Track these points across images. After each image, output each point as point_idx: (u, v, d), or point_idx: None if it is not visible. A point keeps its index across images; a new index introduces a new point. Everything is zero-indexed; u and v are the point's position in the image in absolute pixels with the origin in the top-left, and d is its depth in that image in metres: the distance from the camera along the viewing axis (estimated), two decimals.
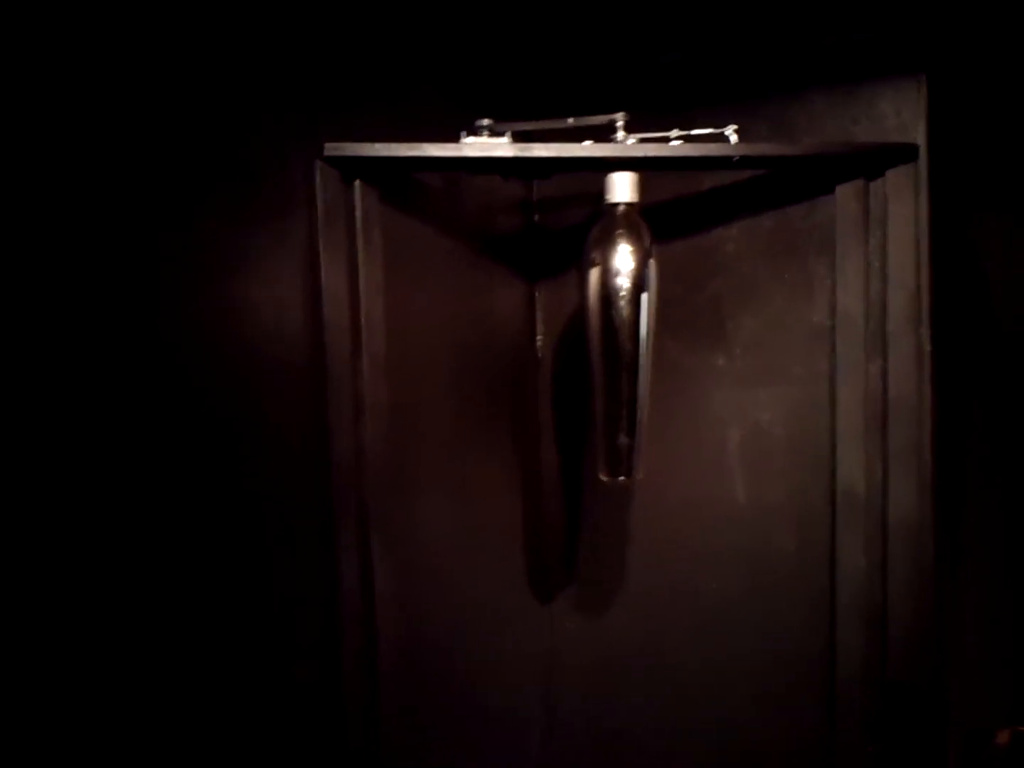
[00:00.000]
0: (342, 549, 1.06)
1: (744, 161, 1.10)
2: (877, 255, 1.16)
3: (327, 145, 1.02)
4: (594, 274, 1.10)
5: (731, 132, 1.09)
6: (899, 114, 1.14)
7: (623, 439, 1.13)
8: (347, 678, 1.06)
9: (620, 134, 1.11)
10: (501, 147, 1.08)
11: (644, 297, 1.10)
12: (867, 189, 1.16)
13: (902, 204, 1.14)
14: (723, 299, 1.27)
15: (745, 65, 1.21)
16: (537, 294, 1.40)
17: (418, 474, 1.20)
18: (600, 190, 1.12)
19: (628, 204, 1.11)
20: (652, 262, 1.11)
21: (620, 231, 1.10)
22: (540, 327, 1.41)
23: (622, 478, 1.14)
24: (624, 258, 1.09)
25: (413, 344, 1.19)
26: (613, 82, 1.27)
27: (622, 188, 1.11)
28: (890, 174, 1.14)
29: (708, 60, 1.23)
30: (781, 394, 1.25)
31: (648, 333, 1.11)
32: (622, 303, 1.10)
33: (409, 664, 1.17)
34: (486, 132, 1.13)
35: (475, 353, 1.30)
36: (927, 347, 1.14)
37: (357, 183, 1.07)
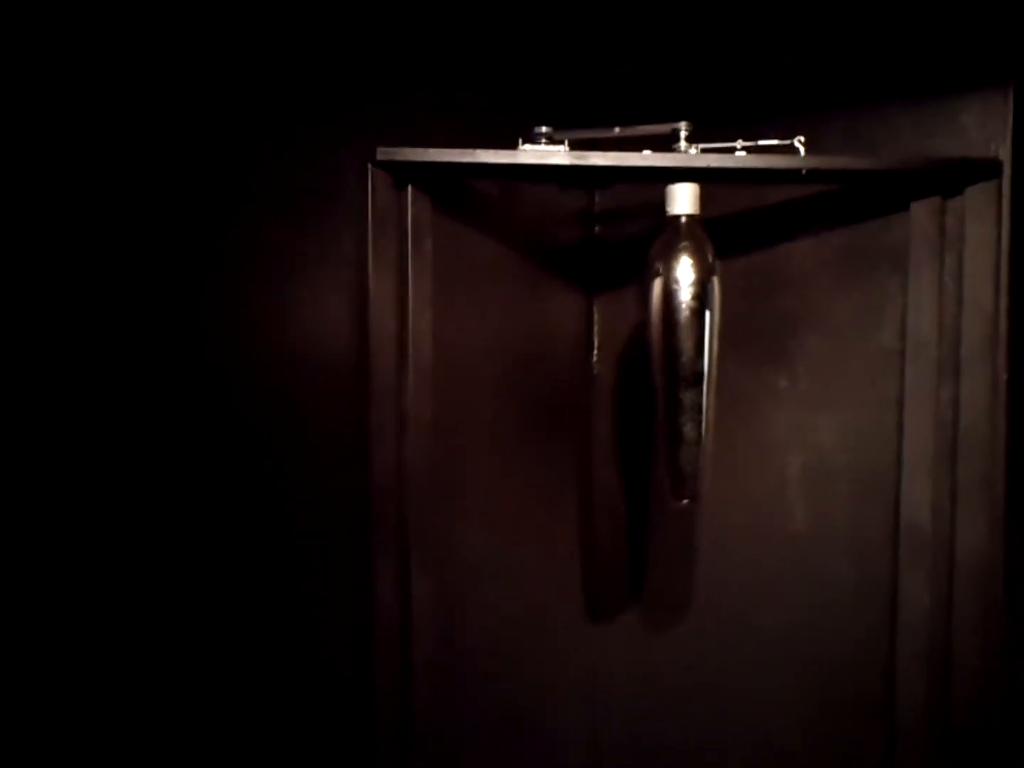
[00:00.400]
0: (379, 565, 1.03)
1: (813, 175, 1.05)
2: (953, 276, 1.10)
3: (380, 149, 1.00)
4: (656, 287, 1.06)
5: (799, 143, 1.04)
6: (982, 127, 1.07)
7: (687, 461, 1.08)
8: (379, 696, 1.04)
9: (682, 144, 1.06)
10: (557, 155, 1.04)
11: (707, 312, 1.06)
12: (944, 207, 1.10)
13: (981, 223, 1.07)
14: (788, 317, 1.22)
15: (817, 75, 1.16)
16: (595, 308, 1.36)
17: (464, 491, 1.18)
18: (662, 202, 1.09)
19: (690, 216, 1.07)
20: (715, 277, 1.07)
21: (683, 244, 1.06)
22: (597, 342, 1.37)
23: (686, 500, 1.10)
24: (687, 271, 1.05)
25: (462, 358, 1.17)
26: (676, 91, 1.23)
27: (684, 200, 1.07)
28: (970, 191, 1.08)
29: (779, 71, 1.18)
30: (845, 419, 1.19)
31: (712, 349, 1.07)
32: (685, 317, 1.05)
33: (447, 683, 1.14)
34: (544, 140, 1.10)
35: (528, 368, 1.27)
36: (1003, 375, 1.07)
37: (409, 188, 1.05)
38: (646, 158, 1.03)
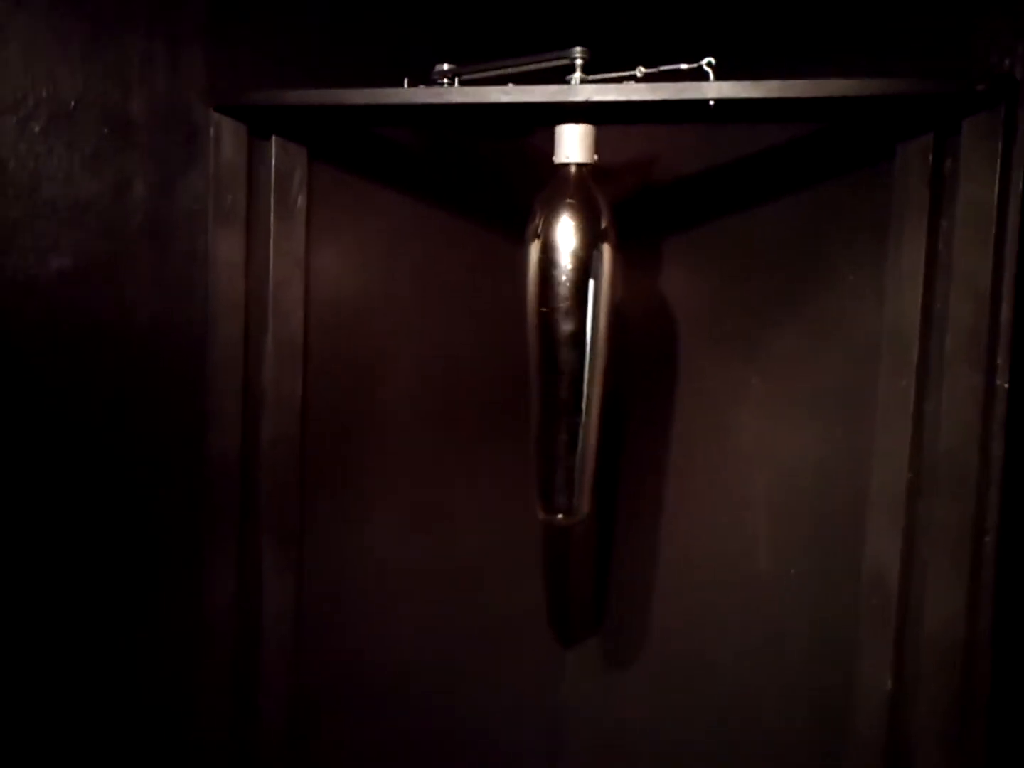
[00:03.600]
0: (211, 565, 0.92)
1: (727, 107, 0.80)
2: (946, 246, 0.80)
3: (220, 94, 0.89)
4: (533, 253, 0.87)
5: (707, 67, 0.79)
6: (991, 36, 0.76)
7: (560, 469, 0.88)
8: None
9: (576, 76, 0.85)
10: (420, 94, 0.87)
11: (592, 286, 0.85)
12: (944, 148, 0.80)
13: (981, 169, 0.76)
14: (753, 303, 0.96)
15: None
16: None
17: (367, 488, 1.04)
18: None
19: (579, 165, 0.86)
20: (606, 245, 0.85)
21: (567, 200, 0.85)
22: None
23: (560, 516, 0.89)
24: (568, 234, 0.85)
25: (368, 334, 1.03)
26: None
27: (571, 144, 0.86)
28: (969, 125, 0.77)
29: None
30: (815, 433, 0.92)
31: (597, 334, 0.85)
32: (563, 292, 0.85)
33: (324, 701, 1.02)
34: (446, 79, 0.93)
35: (466, 349, 1.10)
36: (1002, 382, 0.76)
37: (274, 139, 0.93)
38: (507, 92, 0.83)
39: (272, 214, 0.93)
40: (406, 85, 0.92)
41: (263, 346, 0.94)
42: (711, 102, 0.78)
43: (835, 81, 0.75)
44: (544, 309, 0.85)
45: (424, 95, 0.87)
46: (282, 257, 0.94)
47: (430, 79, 0.93)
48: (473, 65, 0.92)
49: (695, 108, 0.80)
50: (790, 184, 0.91)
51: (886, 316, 0.83)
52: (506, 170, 1.07)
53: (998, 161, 0.75)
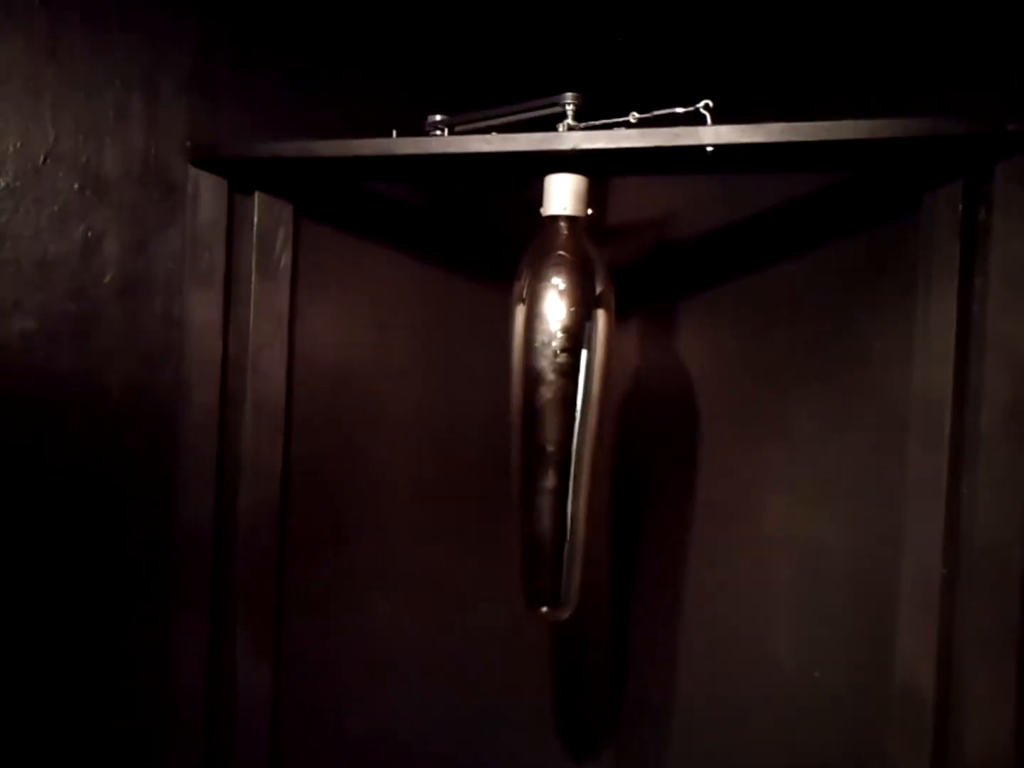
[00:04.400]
0: (179, 645, 0.86)
1: (727, 155, 0.72)
2: (980, 307, 0.70)
3: (194, 145, 0.85)
4: (518, 319, 0.79)
5: (703, 110, 0.72)
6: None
7: (541, 561, 0.79)
8: None
9: (568, 123, 0.79)
10: (399, 144, 0.81)
11: (586, 357, 0.77)
12: (976, 197, 0.71)
13: (1016, 221, 0.67)
14: (778, 371, 0.87)
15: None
16: None
17: (356, 564, 0.97)
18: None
19: (571, 219, 0.79)
20: (601, 311, 0.77)
21: (555, 260, 0.78)
22: None
23: (545, 610, 0.80)
24: (556, 298, 0.77)
25: (358, 397, 0.97)
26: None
27: (561, 195, 0.79)
28: (1002, 170, 0.68)
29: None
30: (843, 518, 0.81)
31: (588, 411, 0.77)
32: (550, 363, 0.77)
33: None
34: (442, 129, 0.88)
35: (464, 413, 1.03)
36: None
37: (256, 195, 0.89)
38: (488, 141, 0.77)
39: (254, 272, 0.88)
40: (394, 136, 0.86)
41: (242, 411, 0.89)
42: (709, 148, 0.71)
43: (846, 123, 0.67)
44: (528, 382, 0.77)
45: (403, 146, 0.81)
46: (264, 318, 0.89)
47: (423, 130, 0.88)
48: (467, 114, 0.86)
49: (692, 156, 0.73)
50: (811, 241, 0.82)
51: (915, 386, 0.73)
52: (505, 225, 1.00)
53: None
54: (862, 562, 0.79)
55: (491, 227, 1.01)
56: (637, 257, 0.98)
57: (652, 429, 0.96)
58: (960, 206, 0.70)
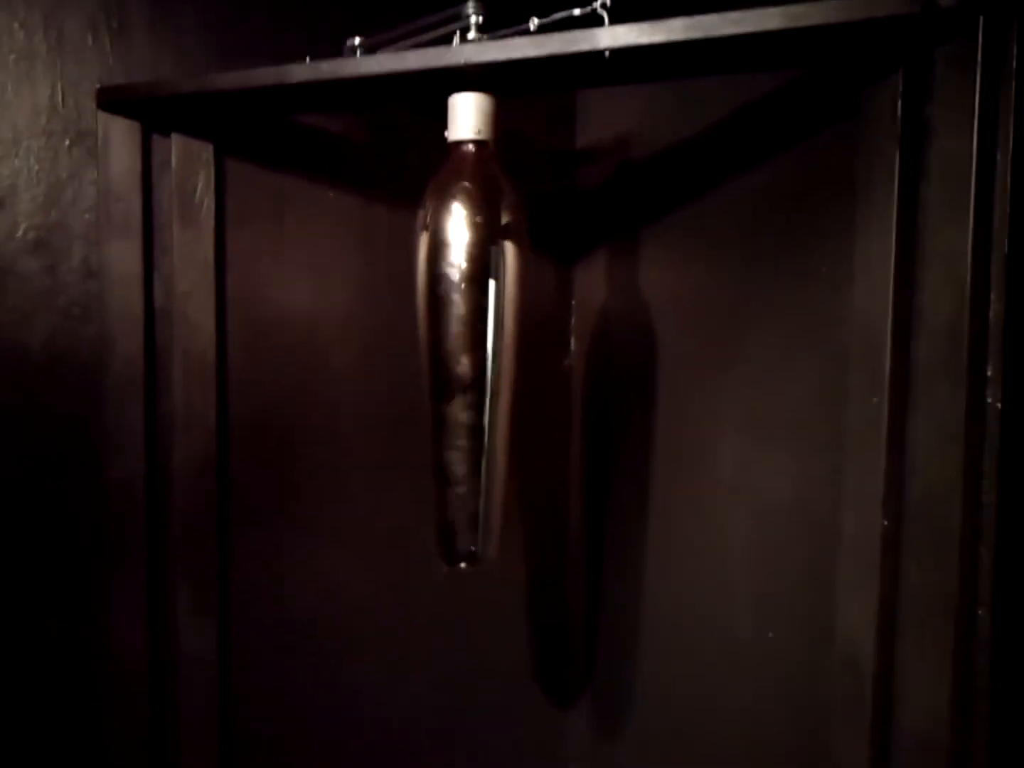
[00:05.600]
0: (117, 608, 0.84)
1: (629, 58, 0.63)
2: (924, 220, 0.60)
3: (107, 90, 0.81)
4: (422, 247, 0.73)
5: (601, 9, 0.63)
6: None
7: (457, 509, 0.74)
8: None
9: (471, 35, 0.71)
10: (294, 72, 0.75)
11: (492, 286, 0.70)
12: (920, 90, 0.60)
13: (955, 114, 0.56)
14: (730, 301, 0.78)
15: None
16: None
17: (303, 515, 0.93)
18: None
19: (478, 143, 0.72)
20: (509, 242, 0.70)
21: (456, 189, 0.71)
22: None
23: (463, 565, 0.75)
24: (461, 225, 0.70)
25: (298, 343, 0.92)
26: None
27: (464, 118, 0.71)
28: (941, 55, 0.57)
29: None
30: (787, 466, 0.73)
31: (499, 342, 0.71)
32: (456, 292, 0.71)
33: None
34: (361, 51, 0.81)
35: (411, 355, 0.96)
36: (993, 400, 0.56)
37: (173, 137, 0.84)
38: (379, 62, 0.70)
39: (175, 219, 0.84)
40: (308, 62, 0.80)
41: (171, 362, 0.86)
42: (606, 53, 0.62)
43: (753, 12, 0.58)
44: (432, 315, 0.71)
45: (296, 73, 0.74)
46: (188, 265, 0.85)
47: (342, 55, 0.81)
48: (385, 34, 0.79)
49: (594, 63, 0.64)
50: (758, 156, 0.73)
51: (855, 316, 0.64)
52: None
53: (976, 100, 0.54)
54: (809, 517, 0.70)
55: (434, 157, 0.94)
56: (595, 183, 0.90)
57: (616, 371, 0.89)
58: (899, 101, 0.60)
